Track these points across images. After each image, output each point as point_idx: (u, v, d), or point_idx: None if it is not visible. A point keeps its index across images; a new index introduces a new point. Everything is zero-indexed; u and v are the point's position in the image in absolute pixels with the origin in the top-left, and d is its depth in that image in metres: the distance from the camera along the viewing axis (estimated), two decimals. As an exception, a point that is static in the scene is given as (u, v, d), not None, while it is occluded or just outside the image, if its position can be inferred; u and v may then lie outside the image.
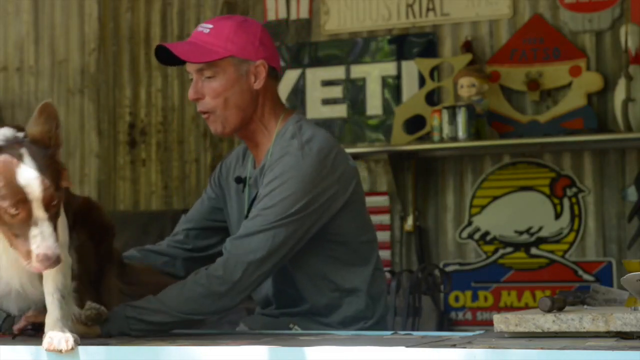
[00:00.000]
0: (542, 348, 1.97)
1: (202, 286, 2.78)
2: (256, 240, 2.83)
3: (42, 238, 2.26)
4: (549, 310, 2.30)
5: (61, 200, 2.35)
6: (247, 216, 3.06)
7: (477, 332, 2.49)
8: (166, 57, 3.04)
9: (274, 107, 3.07)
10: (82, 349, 2.28)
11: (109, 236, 2.79)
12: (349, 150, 4.86)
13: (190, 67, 3.02)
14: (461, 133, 5.40)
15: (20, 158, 2.28)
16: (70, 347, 2.30)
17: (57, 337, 2.32)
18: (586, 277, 5.47)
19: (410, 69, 5.81)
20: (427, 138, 5.68)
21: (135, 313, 2.70)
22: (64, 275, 2.44)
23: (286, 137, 2.98)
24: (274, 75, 3.06)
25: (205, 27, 3.02)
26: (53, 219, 2.29)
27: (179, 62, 3.04)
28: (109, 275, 2.78)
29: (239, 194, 3.14)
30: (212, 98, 2.99)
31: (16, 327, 2.71)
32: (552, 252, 5.55)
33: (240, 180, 3.13)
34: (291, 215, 2.86)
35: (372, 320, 3.05)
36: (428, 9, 5.78)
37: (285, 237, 2.86)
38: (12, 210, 2.26)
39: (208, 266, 2.83)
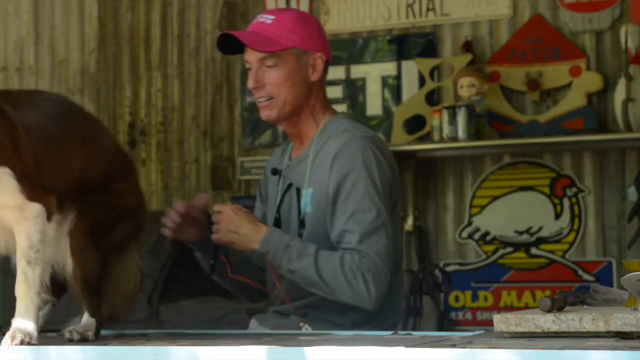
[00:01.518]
0: (542, 348, 1.97)
1: (352, 281, 2.89)
2: (374, 240, 2.95)
3: None
4: (549, 310, 2.29)
5: None
6: (280, 204, 3.08)
7: (477, 332, 2.49)
8: (225, 45, 3.08)
9: (324, 100, 3.14)
10: (82, 349, 2.28)
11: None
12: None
13: (251, 57, 3.05)
14: (461, 133, 5.40)
15: None
16: (14, 344, 2.23)
17: (11, 330, 2.27)
18: (586, 277, 5.47)
19: (410, 69, 5.81)
20: (427, 138, 5.68)
21: (287, 244, 2.90)
22: (27, 234, 2.34)
23: (339, 130, 3.05)
24: (326, 69, 3.12)
25: (268, 18, 3.06)
26: None
27: (236, 50, 3.08)
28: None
29: (275, 186, 3.17)
30: (272, 86, 3.04)
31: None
32: (552, 252, 5.55)
33: (276, 172, 3.18)
34: (382, 206, 3.06)
35: (385, 325, 3.02)
36: (428, 9, 5.78)
37: (390, 228, 3.03)
38: None
39: (359, 266, 2.90)
